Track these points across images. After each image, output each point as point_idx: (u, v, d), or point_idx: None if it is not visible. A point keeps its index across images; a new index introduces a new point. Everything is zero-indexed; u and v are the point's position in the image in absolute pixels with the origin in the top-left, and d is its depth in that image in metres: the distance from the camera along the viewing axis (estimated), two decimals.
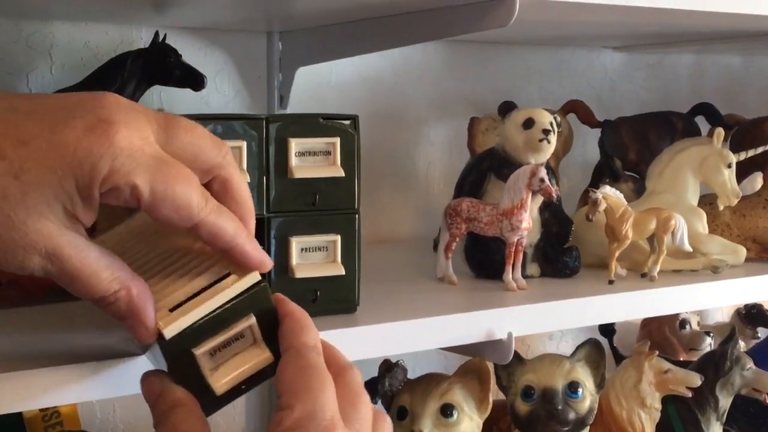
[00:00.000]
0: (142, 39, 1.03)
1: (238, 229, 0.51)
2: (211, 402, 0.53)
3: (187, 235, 0.54)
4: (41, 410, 0.90)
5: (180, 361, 0.52)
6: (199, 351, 0.52)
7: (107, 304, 0.50)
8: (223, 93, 1.11)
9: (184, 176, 0.49)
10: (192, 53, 1.04)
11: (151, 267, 0.55)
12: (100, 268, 0.49)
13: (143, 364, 0.61)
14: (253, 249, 0.52)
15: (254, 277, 0.53)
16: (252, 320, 0.53)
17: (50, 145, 0.46)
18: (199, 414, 0.51)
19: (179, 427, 0.50)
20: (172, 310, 0.52)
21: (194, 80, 0.93)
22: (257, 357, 0.53)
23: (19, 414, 0.89)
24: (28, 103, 0.48)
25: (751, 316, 1.40)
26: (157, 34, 0.92)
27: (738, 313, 1.43)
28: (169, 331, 0.51)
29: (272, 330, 0.54)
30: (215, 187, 0.52)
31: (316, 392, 0.50)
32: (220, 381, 0.52)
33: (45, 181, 0.45)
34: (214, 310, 0.52)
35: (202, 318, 0.52)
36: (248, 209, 0.54)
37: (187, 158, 0.50)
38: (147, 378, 0.53)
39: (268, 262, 0.53)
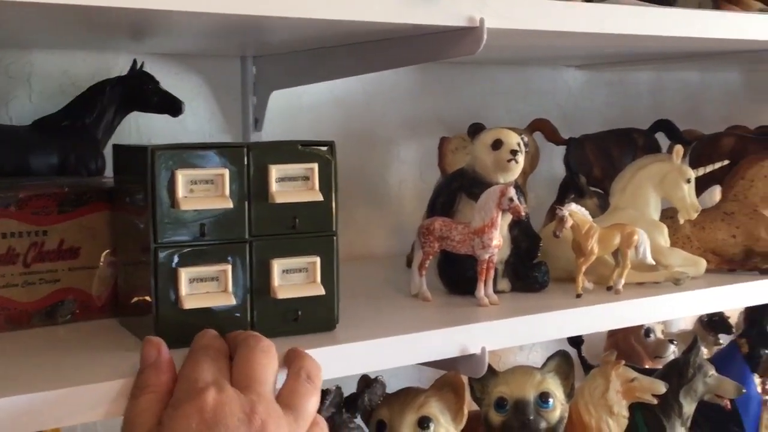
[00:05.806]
0: (119, 66, 1.04)
1: None
2: (180, 324, 0.69)
3: None
4: None
5: (165, 276, 0.70)
6: (182, 270, 0.70)
7: None
8: (199, 116, 1.12)
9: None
10: (168, 78, 1.06)
11: None
12: None
13: (126, 388, 0.64)
14: None
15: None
16: (228, 267, 0.72)
17: None
18: (163, 400, 0.63)
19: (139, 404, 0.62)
20: None
21: (172, 106, 0.95)
22: (223, 299, 0.72)
23: None
24: None
25: (713, 323, 1.44)
26: (135, 62, 0.94)
27: (700, 320, 1.47)
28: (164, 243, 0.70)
29: None
30: None
31: (202, 362, 0.64)
32: (189, 301, 0.70)
33: None
34: (199, 245, 0.71)
35: (188, 244, 0.71)
36: None
37: None
38: (146, 342, 0.66)
39: None
